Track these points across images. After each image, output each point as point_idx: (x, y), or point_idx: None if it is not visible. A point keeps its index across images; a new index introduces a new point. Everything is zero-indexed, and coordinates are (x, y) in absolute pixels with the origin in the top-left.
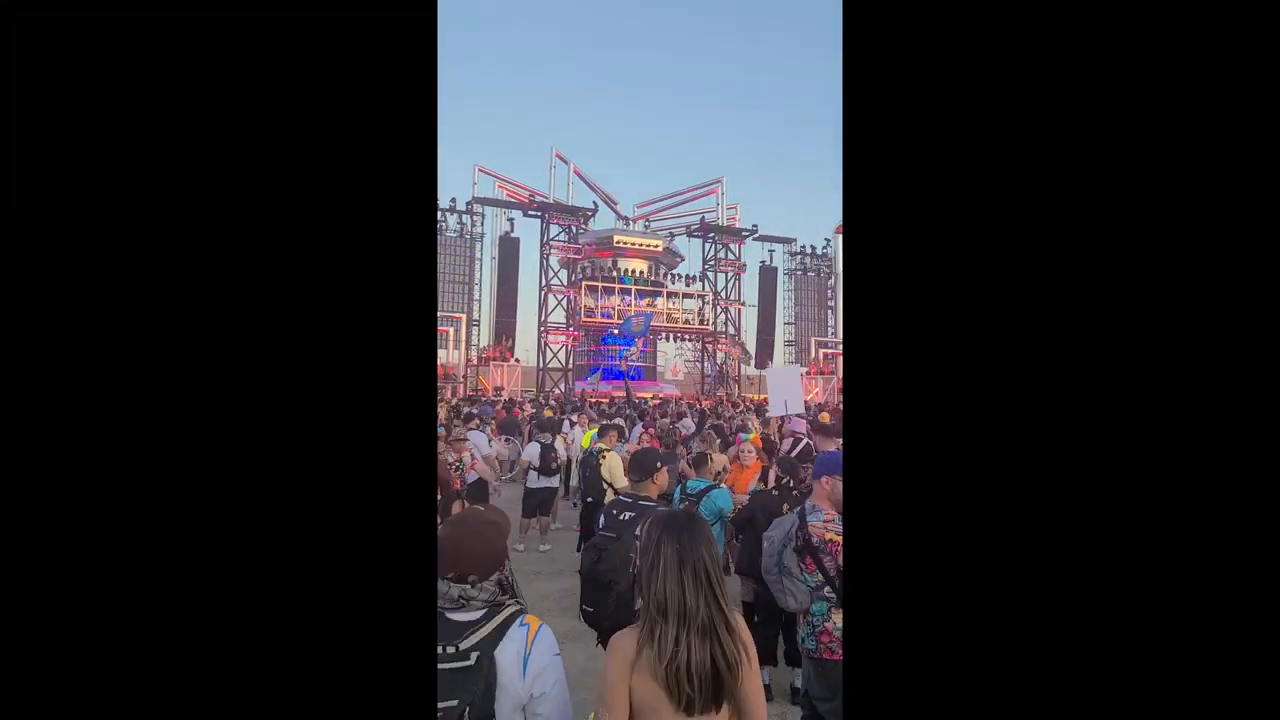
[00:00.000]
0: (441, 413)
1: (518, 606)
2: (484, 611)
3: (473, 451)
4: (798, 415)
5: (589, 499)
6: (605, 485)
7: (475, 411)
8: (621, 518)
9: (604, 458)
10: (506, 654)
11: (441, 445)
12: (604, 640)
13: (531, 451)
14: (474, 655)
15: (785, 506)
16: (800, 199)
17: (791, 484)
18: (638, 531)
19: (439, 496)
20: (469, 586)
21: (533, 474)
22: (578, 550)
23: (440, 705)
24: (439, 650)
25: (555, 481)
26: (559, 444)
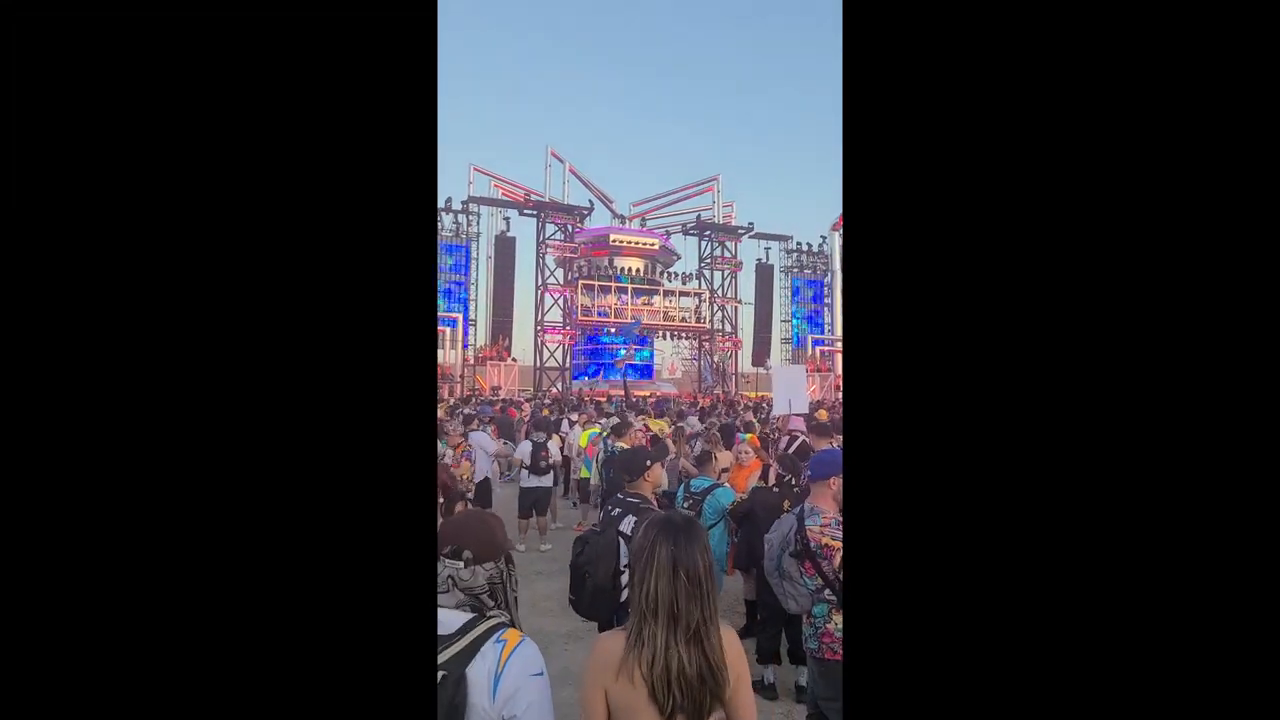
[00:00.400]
0: (440, 413)
1: (500, 620)
2: (463, 623)
3: (466, 449)
4: (798, 414)
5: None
6: None
7: (474, 413)
8: (613, 513)
9: None
10: (477, 671)
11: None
12: None
13: (524, 450)
14: (439, 674)
15: (786, 503)
16: (797, 196)
17: (793, 481)
18: (622, 527)
19: (441, 500)
20: (461, 565)
21: (524, 473)
22: None
23: None
24: None
25: (548, 481)
26: (552, 443)
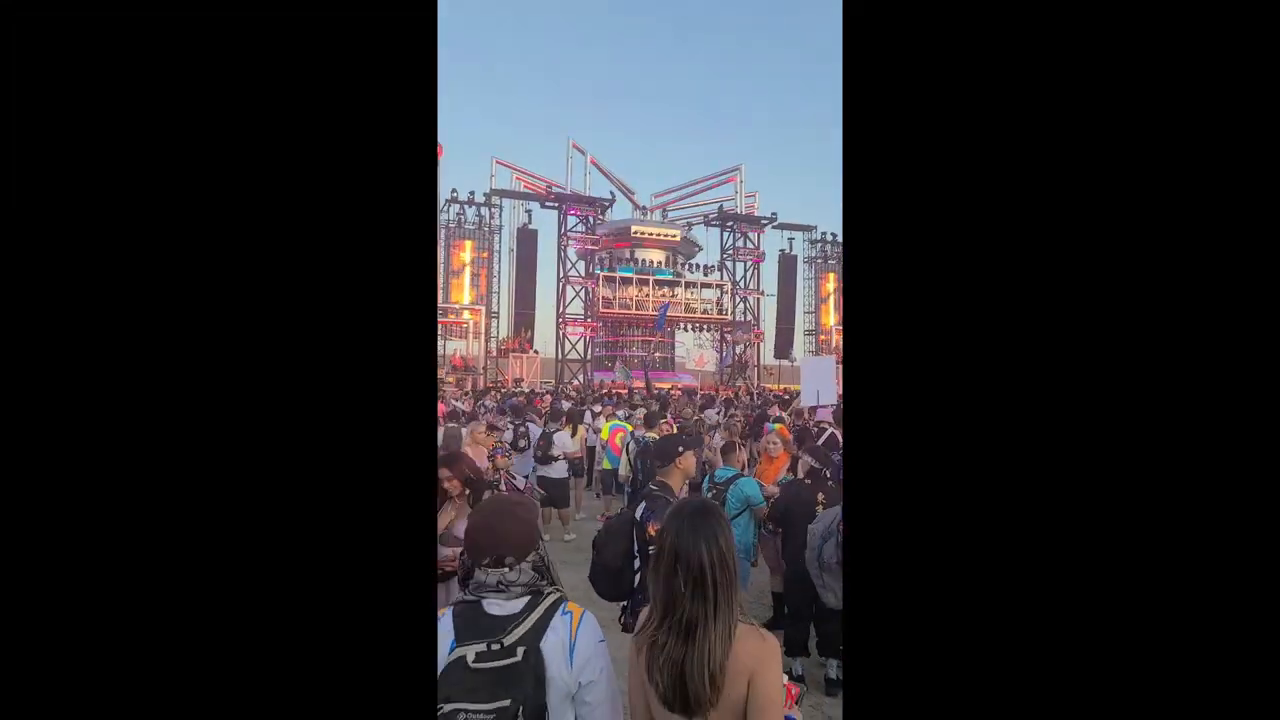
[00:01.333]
0: (469, 405)
1: (558, 594)
2: (525, 601)
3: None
4: (825, 405)
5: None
6: None
7: (522, 406)
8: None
9: None
10: (551, 644)
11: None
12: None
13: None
14: (520, 650)
15: (820, 495)
16: (820, 185)
17: (826, 474)
18: (638, 515)
19: (468, 492)
20: (507, 570)
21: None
22: None
23: (493, 706)
24: (484, 648)
25: (556, 471)
26: (562, 435)
